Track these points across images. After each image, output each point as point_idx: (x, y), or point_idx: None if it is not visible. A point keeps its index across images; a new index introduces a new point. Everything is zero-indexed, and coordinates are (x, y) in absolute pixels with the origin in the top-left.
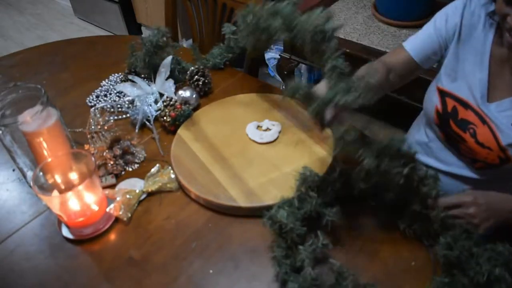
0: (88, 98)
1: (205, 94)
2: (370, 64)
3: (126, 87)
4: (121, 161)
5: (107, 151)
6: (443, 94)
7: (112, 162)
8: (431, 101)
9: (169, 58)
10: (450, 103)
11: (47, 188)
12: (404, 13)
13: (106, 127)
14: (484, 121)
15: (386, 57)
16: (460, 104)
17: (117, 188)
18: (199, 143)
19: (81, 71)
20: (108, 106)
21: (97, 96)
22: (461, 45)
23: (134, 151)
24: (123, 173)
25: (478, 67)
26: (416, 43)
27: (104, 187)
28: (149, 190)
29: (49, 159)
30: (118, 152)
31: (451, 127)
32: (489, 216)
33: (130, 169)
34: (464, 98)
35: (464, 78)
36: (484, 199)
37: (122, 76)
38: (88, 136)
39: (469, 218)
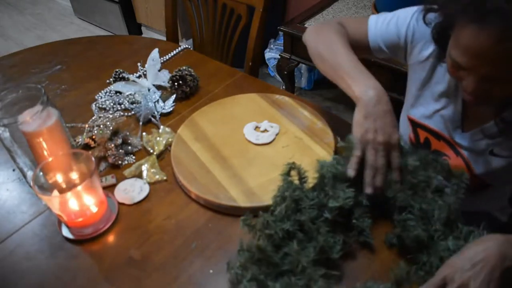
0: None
1: (190, 95)
2: (341, 32)
3: (122, 86)
4: (121, 151)
5: (108, 142)
6: (414, 124)
7: (114, 152)
8: (405, 129)
9: (156, 50)
10: (422, 134)
11: (47, 188)
12: None
13: (106, 122)
14: (457, 153)
15: (350, 30)
16: (433, 135)
17: (116, 189)
18: (199, 143)
19: (81, 71)
20: (110, 102)
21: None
22: (429, 74)
23: (130, 141)
24: (124, 163)
25: (452, 99)
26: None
27: (104, 187)
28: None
29: (49, 159)
30: (118, 141)
31: None
32: (486, 276)
33: (127, 162)
34: (437, 129)
35: (437, 109)
36: (466, 260)
37: (112, 79)
38: (87, 129)
39: None
